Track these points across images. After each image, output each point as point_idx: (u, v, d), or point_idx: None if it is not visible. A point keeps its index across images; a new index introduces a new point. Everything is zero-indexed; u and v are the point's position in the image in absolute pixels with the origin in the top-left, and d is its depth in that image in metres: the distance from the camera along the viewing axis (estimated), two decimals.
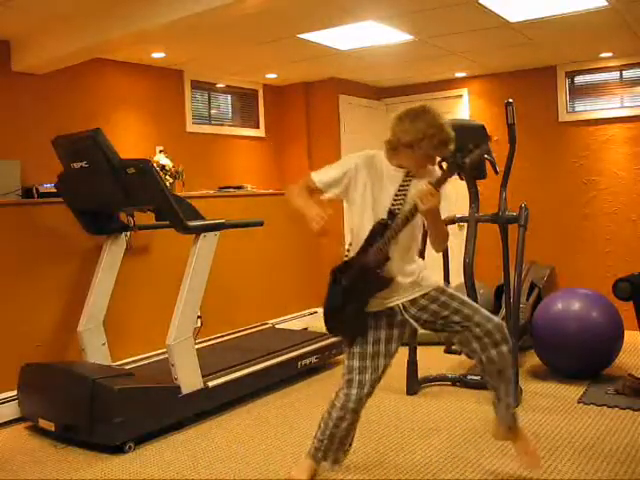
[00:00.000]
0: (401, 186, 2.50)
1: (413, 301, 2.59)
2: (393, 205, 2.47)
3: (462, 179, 4.22)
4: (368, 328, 2.59)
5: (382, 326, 2.60)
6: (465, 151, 2.39)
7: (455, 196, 2.80)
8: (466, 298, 2.66)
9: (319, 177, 2.61)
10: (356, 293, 2.55)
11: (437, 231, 2.50)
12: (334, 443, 2.68)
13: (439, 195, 2.34)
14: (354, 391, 2.58)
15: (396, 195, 2.49)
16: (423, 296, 2.59)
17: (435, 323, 2.61)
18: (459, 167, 2.42)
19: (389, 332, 2.61)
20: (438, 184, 2.36)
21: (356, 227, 2.59)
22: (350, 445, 2.79)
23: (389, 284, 2.50)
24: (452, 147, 2.46)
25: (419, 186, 2.39)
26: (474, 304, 2.64)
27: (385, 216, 2.47)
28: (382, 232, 2.47)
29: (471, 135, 3.96)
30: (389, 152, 2.56)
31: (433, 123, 2.44)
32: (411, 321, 2.60)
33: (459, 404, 3.88)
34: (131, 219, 4.13)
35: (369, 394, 2.62)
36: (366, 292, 2.54)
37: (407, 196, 2.48)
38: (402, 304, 2.58)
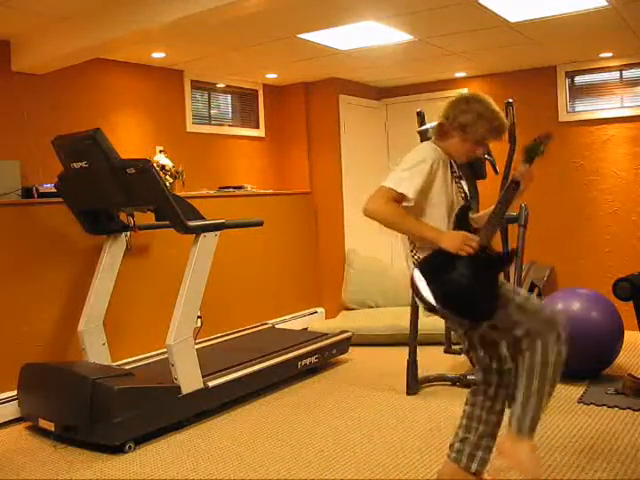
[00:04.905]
0: (452, 172, 2.51)
1: None
2: (465, 194, 2.51)
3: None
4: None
5: None
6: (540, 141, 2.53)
7: None
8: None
9: (408, 188, 2.36)
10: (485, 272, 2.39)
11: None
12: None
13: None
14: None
15: (455, 183, 2.51)
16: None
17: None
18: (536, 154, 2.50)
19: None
20: (530, 165, 2.47)
21: (435, 220, 2.44)
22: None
23: (512, 259, 2.49)
24: (493, 137, 2.48)
25: (520, 168, 2.45)
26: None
27: (463, 201, 2.49)
28: (466, 216, 2.46)
29: None
30: (438, 139, 2.52)
31: (489, 107, 2.44)
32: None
33: (459, 404, 3.86)
34: (131, 219, 4.12)
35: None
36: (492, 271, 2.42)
37: (462, 180, 2.52)
38: None
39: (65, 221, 4.08)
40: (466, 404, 2.66)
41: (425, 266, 2.41)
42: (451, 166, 2.53)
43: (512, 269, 4.12)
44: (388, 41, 4.85)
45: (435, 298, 2.31)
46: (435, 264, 2.39)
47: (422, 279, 2.36)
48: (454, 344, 4.36)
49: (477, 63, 5.75)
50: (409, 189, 2.35)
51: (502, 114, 2.46)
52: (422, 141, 4.28)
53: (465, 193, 2.53)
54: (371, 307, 6.11)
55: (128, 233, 4.21)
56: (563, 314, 2.44)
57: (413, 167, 2.39)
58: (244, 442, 3.44)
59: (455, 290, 2.34)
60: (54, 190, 4.06)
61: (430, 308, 2.35)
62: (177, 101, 5.54)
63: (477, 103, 2.44)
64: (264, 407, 4.01)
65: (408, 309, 4.34)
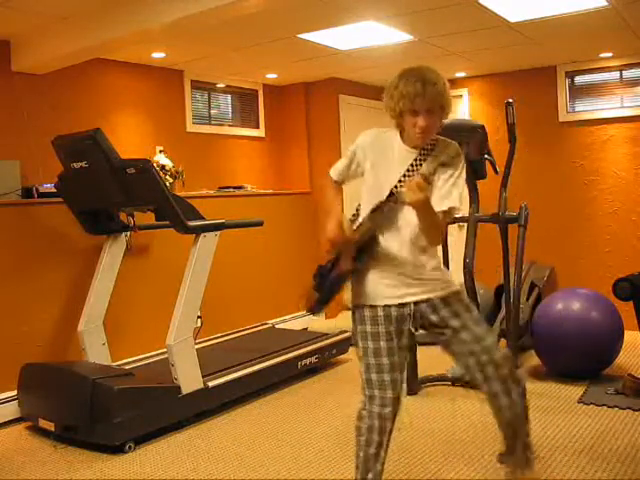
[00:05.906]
0: (410, 166, 2.27)
1: (427, 300, 2.30)
2: (397, 187, 2.25)
3: None
4: (325, 305, 2.49)
5: (392, 333, 2.32)
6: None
7: None
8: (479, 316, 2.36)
9: (333, 170, 2.47)
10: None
11: (426, 223, 2.19)
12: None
13: (428, 188, 2.10)
14: (375, 408, 2.40)
15: (403, 176, 2.26)
16: (441, 298, 2.30)
17: (442, 333, 2.33)
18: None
19: (398, 341, 2.34)
20: (428, 177, 2.18)
21: (362, 208, 2.37)
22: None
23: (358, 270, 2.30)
24: (414, 100, 2.15)
25: (415, 178, 2.15)
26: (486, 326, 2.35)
27: (385, 197, 2.25)
28: (376, 216, 2.27)
29: (472, 136, 3.99)
30: (400, 132, 2.34)
31: (397, 78, 2.21)
32: (418, 321, 2.32)
33: (459, 404, 3.88)
34: (131, 219, 4.13)
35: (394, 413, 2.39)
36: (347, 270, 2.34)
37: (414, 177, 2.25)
38: (413, 303, 2.30)
39: (65, 221, 4.08)
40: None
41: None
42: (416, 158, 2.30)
43: (512, 270, 4.11)
44: (388, 41, 4.86)
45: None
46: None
47: None
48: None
49: (477, 63, 5.75)
50: (333, 170, 2.45)
51: (413, 77, 2.16)
52: None
53: (392, 190, 2.26)
54: None
55: (128, 233, 4.21)
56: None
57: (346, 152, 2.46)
58: (244, 442, 3.44)
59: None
60: (54, 190, 4.06)
61: None
62: (177, 101, 5.54)
63: (389, 82, 2.26)
64: (264, 407, 4.01)
65: None
